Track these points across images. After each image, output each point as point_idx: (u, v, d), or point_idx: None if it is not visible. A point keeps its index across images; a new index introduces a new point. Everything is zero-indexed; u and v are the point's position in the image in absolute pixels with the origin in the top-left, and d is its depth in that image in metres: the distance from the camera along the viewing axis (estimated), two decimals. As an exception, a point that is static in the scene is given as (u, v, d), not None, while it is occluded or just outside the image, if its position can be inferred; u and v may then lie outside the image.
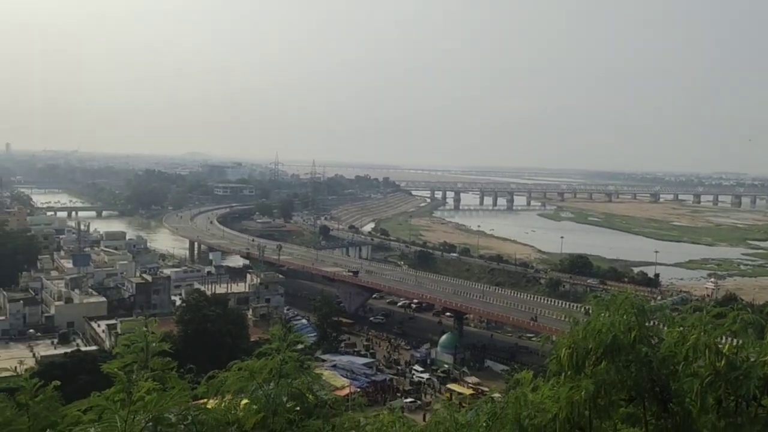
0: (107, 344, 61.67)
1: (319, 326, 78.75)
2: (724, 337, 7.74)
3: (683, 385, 7.60)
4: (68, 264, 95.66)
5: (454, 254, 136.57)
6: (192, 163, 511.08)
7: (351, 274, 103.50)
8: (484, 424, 7.98)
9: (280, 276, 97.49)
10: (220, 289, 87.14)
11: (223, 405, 8.84)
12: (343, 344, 78.53)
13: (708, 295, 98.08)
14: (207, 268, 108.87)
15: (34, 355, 61.54)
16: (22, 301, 75.91)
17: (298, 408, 8.89)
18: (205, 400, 9.13)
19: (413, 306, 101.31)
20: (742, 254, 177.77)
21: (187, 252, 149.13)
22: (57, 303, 77.72)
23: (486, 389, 57.42)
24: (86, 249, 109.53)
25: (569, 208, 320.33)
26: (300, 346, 9.81)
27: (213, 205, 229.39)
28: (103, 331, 67.37)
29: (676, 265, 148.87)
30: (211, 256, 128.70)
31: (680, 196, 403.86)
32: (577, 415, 7.49)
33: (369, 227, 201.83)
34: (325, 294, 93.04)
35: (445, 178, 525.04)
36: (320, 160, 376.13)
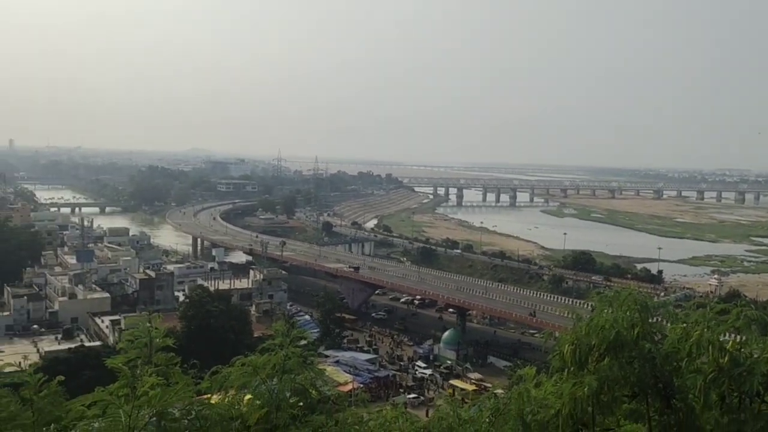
0: (111, 340, 61.93)
1: (322, 322, 78.91)
2: (727, 334, 7.73)
3: (686, 382, 7.60)
4: (72, 260, 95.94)
5: (457, 251, 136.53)
6: (195, 159, 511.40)
7: (352, 269, 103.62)
8: (487, 420, 8.00)
9: (283, 272, 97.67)
10: (223, 285, 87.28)
11: (226, 400, 8.86)
12: (345, 340, 78.65)
13: (711, 292, 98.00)
14: (210, 264, 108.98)
15: (38, 350, 61.82)
16: (26, 297, 76.23)
17: (301, 403, 8.90)
18: (209, 395, 9.16)
19: (416, 302, 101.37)
20: (746, 251, 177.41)
21: (190, 248, 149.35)
22: (61, 299, 78.01)
23: (489, 385, 57.56)
24: (90, 245, 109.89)
25: (572, 204, 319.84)
26: (303, 342, 9.81)
27: (216, 201, 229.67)
28: (107, 327, 67.65)
29: (679, 261, 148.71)
30: (214, 253, 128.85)
31: (683, 193, 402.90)
32: (580, 411, 7.50)
33: (372, 223, 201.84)
34: (328, 290, 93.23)
35: (448, 174, 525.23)
36: (323, 156, 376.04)
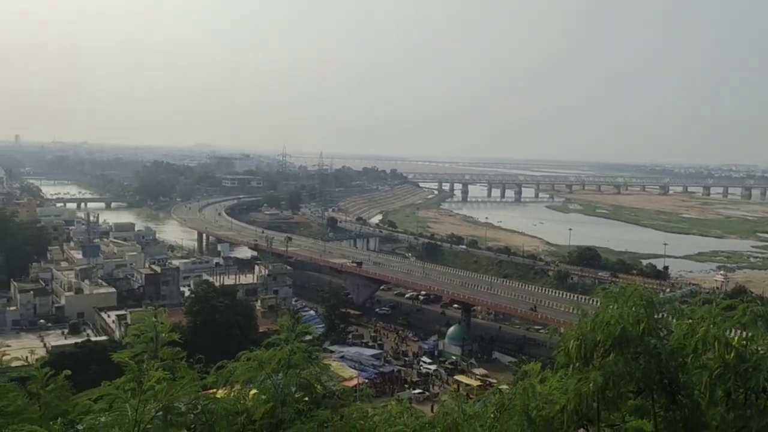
0: (117, 334, 62.13)
1: (327, 317, 79.01)
2: (733, 330, 7.71)
3: (692, 378, 7.58)
4: (78, 255, 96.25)
5: (462, 246, 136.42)
6: (200, 154, 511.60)
7: (355, 264, 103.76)
8: (492, 416, 8.00)
9: (288, 267, 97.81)
10: (229, 280, 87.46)
11: (232, 395, 8.91)
12: (350, 336, 78.77)
13: (717, 288, 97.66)
14: (215, 260, 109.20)
15: (44, 344, 62.05)
16: (32, 292, 76.47)
17: (306, 398, 8.94)
18: (215, 389, 9.20)
19: (421, 298, 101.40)
20: (752, 246, 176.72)
21: (196, 243, 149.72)
22: (67, 293, 78.28)
23: (494, 381, 57.53)
24: (96, 240, 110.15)
25: (577, 200, 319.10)
26: (308, 337, 9.84)
27: (221, 196, 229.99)
28: (113, 322, 67.85)
29: (685, 257, 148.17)
30: (219, 248, 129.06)
31: (690, 188, 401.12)
32: (585, 407, 7.50)
33: (376, 219, 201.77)
34: (332, 285, 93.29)
35: (453, 170, 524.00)
36: (328, 152, 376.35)
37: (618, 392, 7.57)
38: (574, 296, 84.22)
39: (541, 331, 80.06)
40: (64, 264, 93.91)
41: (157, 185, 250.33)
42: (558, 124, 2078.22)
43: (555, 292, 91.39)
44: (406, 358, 73.85)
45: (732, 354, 7.38)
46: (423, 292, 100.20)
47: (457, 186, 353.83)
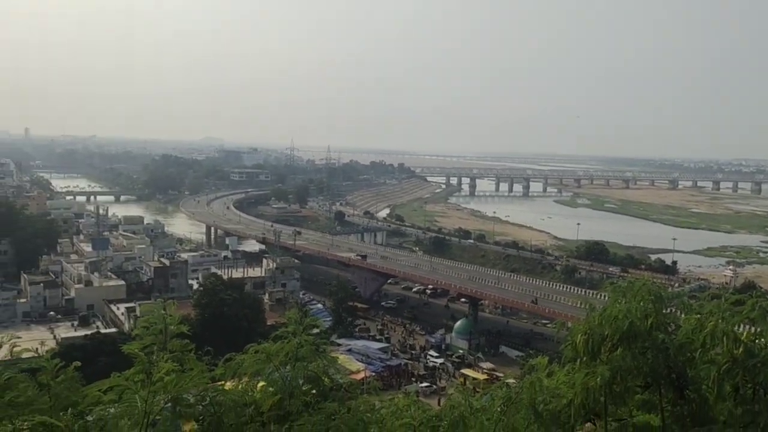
0: (126, 326, 62.54)
1: (335, 311, 79.22)
2: (742, 325, 7.68)
3: (700, 372, 7.56)
4: (87, 248, 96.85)
5: (470, 240, 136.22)
6: (208, 148, 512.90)
7: (360, 257, 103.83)
8: (499, 409, 8.01)
9: (296, 261, 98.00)
10: (237, 273, 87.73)
11: (240, 387, 8.96)
12: (357, 329, 78.95)
13: (726, 283, 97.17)
14: (224, 253, 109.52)
15: (54, 336, 62.55)
16: (42, 284, 77.05)
17: (314, 391, 8.98)
18: (223, 381, 9.26)
19: (428, 292, 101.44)
20: (762, 242, 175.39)
21: (204, 237, 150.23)
22: (77, 286, 78.82)
23: (500, 375, 57.49)
24: (105, 233, 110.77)
25: (586, 194, 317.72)
26: (316, 331, 9.89)
27: (229, 190, 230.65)
28: (123, 314, 68.29)
29: (694, 252, 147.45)
30: (227, 241, 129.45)
31: (699, 183, 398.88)
32: (592, 401, 7.50)
33: (384, 213, 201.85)
34: (340, 279, 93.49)
35: (461, 164, 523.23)
36: (335, 145, 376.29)
37: (625, 387, 7.56)
38: (581, 291, 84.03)
39: (549, 325, 79.99)
40: (73, 257, 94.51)
41: (165, 179, 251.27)
42: (558, 124, 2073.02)
43: (562, 287, 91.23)
44: (413, 352, 73.97)
45: (740, 349, 7.35)
46: (430, 286, 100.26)
47: (465, 180, 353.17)
